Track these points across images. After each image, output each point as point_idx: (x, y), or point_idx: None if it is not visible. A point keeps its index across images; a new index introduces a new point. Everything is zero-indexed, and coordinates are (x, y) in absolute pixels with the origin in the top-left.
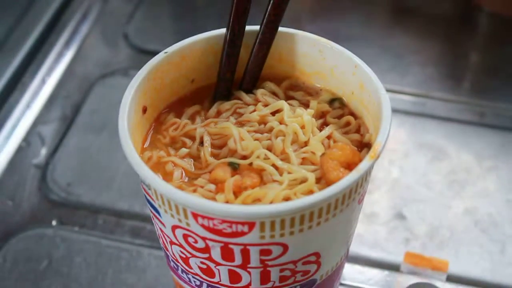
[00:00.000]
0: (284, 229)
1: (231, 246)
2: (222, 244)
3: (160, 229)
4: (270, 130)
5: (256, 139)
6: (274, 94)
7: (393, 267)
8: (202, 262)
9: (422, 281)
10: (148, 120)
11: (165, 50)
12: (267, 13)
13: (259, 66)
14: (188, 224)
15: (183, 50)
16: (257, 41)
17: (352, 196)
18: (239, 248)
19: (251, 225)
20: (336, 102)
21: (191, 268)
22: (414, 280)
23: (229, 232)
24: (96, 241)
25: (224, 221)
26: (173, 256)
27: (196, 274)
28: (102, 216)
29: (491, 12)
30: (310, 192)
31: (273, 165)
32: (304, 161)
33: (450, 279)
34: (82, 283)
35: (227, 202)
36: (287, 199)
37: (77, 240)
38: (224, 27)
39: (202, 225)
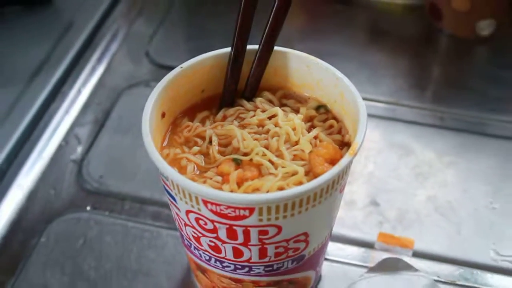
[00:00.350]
0: (279, 213)
1: (234, 227)
2: (227, 226)
3: (176, 213)
4: (267, 131)
5: (255, 139)
6: (270, 102)
7: (369, 245)
8: (210, 241)
9: (392, 256)
10: (166, 123)
11: (180, 66)
12: (265, 35)
13: (258, 78)
14: (199, 209)
15: (195, 65)
16: (256, 58)
17: (335, 186)
18: (241, 229)
19: (251, 210)
20: (321, 108)
21: (202, 246)
22: (385, 255)
23: (233, 216)
24: (123, 223)
25: (229, 207)
26: (187, 235)
27: (206, 251)
28: (128, 203)
29: (450, 34)
30: (300, 183)
31: (270, 161)
32: (295, 157)
33: (415, 254)
34: (111, 258)
35: (231, 191)
36: (281, 188)
37: (107, 223)
38: (229, 47)
39: (211, 210)
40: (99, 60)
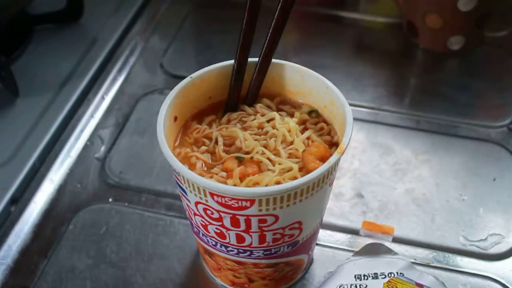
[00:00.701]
0: (276, 204)
1: (237, 216)
2: (231, 215)
3: (187, 204)
4: (266, 133)
5: (255, 140)
6: (269, 107)
7: (354, 232)
8: (217, 228)
9: (375, 241)
10: (178, 126)
11: (190, 76)
12: (264, 49)
13: (258, 87)
14: (207, 201)
15: (203, 75)
16: (256, 69)
17: (325, 181)
18: (243, 218)
19: (252, 202)
20: (313, 113)
21: (209, 233)
22: (369, 241)
23: (236, 206)
24: (140, 213)
25: (232, 199)
26: (196, 224)
27: (212, 237)
28: (144, 195)
29: (424, 48)
30: (295, 178)
31: (268, 158)
32: (290, 156)
33: (395, 240)
34: (130, 243)
35: (235, 185)
36: (278, 183)
37: (126, 212)
38: (232, 59)
39: (217, 202)
40: (120, 71)
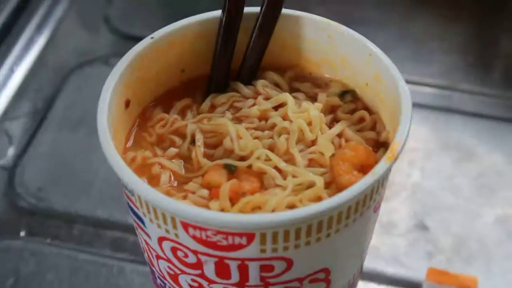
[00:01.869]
0: (288, 241)
1: (226, 261)
2: (216, 259)
3: (145, 241)
4: (272, 127)
5: (256, 138)
6: (277, 85)
7: (414, 285)
8: (193, 280)
9: None
10: (132, 115)
11: (151, 35)
12: None
13: (260, 53)
14: (177, 236)
15: (172, 35)
16: (257, 24)
17: (367, 203)
18: (236, 264)
19: (250, 237)
20: (347, 95)
21: (181, 287)
22: None
23: (225, 245)
24: (71, 254)
25: (219, 232)
26: (159, 272)
27: None
28: (78, 226)
29: None
30: (318, 198)
31: (276, 168)
32: (311, 163)
33: None
34: None
35: (222, 210)
36: (291, 206)
37: (49, 254)
38: (219, 9)
39: (194, 237)
40: (39, 29)
